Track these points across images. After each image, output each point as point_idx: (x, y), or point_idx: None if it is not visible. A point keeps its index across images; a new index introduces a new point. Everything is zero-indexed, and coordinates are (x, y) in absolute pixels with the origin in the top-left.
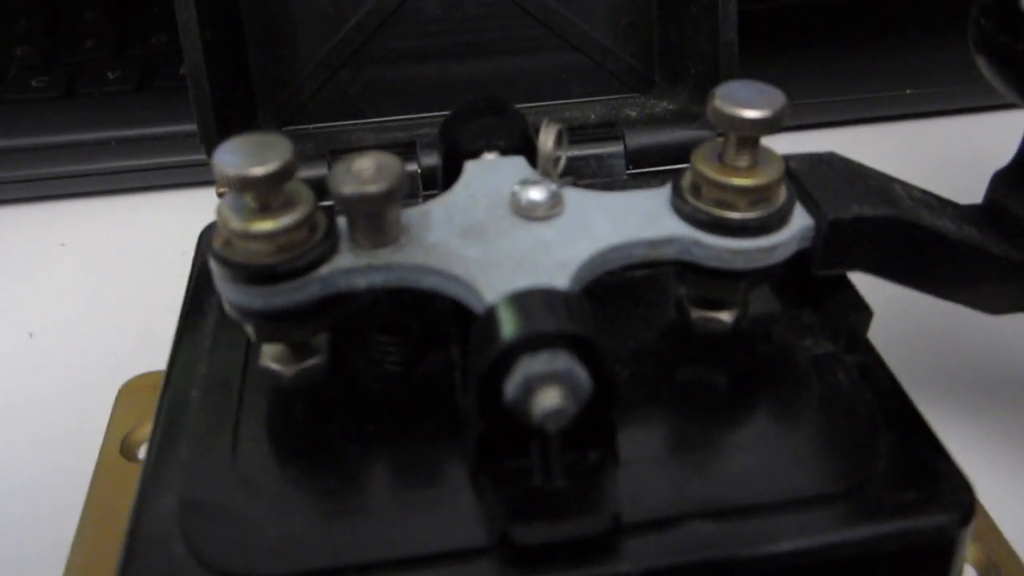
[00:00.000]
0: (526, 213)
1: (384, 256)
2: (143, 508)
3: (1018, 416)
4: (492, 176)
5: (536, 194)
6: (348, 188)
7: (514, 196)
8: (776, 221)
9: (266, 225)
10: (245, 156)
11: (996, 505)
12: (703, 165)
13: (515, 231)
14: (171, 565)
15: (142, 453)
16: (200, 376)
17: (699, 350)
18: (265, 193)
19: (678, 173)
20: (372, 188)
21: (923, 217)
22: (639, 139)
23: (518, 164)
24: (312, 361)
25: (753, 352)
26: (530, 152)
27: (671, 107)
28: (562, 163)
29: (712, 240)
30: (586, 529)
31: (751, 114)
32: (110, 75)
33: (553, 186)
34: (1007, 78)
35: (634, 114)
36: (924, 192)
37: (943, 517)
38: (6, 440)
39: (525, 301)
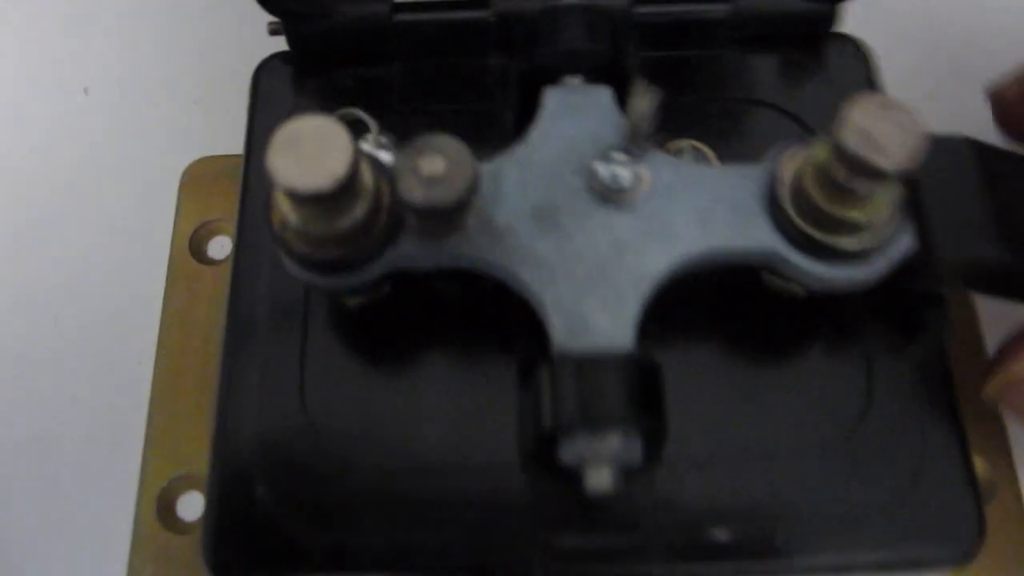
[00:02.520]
0: (605, 195)
1: (451, 244)
2: (222, 454)
3: None
4: (573, 120)
5: (618, 176)
6: (418, 196)
7: (594, 172)
8: (879, 249)
9: (327, 227)
10: (302, 159)
11: None
12: (811, 187)
13: (590, 221)
14: (256, 511)
15: (212, 252)
16: (264, 298)
17: (764, 312)
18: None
19: (773, 168)
20: (444, 196)
21: None
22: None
23: (602, 99)
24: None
25: (816, 333)
26: (617, 81)
27: None
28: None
29: (805, 263)
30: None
31: (884, 163)
32: None
33: (638, 167)
34: None
35: None
36: None
37: (944, 552)
38: (67, 212)
39: (591, 374)
